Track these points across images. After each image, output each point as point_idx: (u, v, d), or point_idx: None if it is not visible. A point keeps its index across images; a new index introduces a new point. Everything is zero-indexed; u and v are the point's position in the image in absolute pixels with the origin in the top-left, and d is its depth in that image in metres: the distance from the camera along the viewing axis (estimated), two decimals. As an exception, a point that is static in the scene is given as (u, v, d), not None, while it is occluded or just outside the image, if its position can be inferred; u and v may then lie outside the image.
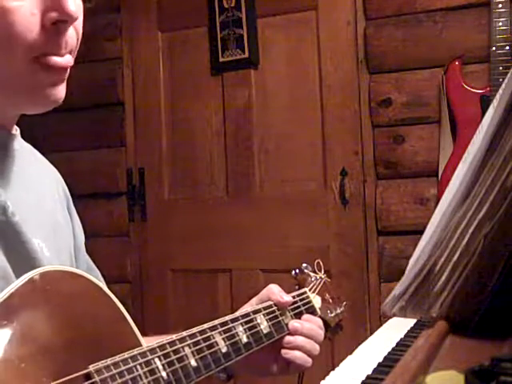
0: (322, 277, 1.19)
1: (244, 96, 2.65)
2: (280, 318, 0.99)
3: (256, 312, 0.95)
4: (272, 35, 2.61)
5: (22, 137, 0.90)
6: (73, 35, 0.78)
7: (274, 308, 1.00)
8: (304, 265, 1.18)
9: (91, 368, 0.66)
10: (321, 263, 1.20)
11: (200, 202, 2.73)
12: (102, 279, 1.01)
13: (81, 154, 2.87)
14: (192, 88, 2.74)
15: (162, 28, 2.79)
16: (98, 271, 1.02)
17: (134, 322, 0.79)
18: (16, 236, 0.79)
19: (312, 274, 1.18)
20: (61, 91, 0.78)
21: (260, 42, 2.61)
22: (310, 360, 1.01)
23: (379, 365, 0.77)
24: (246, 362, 0.92)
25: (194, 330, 0.81)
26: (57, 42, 0.75)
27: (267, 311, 0.98)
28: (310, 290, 1.13)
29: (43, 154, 0.98)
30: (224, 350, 0.84)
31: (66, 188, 1.00)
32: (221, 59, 2.65)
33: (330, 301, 1.17)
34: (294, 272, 1.17)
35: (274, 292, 1.03)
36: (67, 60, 0.77)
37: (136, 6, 2.81)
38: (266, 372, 1.04)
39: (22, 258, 0.78)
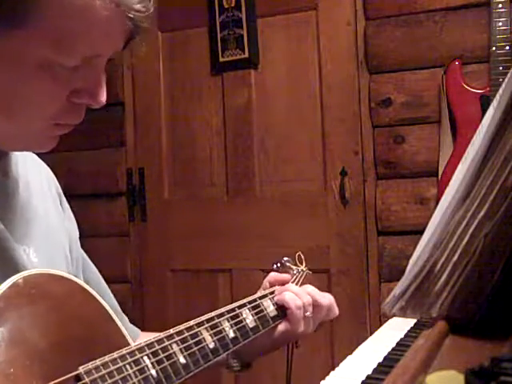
0: (304, 269, 1.19)
1: (244, 96, 2.65)
2: (265, 312, 1.01)
3: (241, 307, 0.97)
4: (272, 35, 2.61)
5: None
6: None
7: (259, 302, 1.01)
8: (285, 258, 1.20)
9: (81, 369, 0.67)
10: (302, 256, 1.20)
11: (200, 201, 2.73)
12: (98, 274, 1.02)
13: (81, 154, 2.86)
14: (192, 88, 2.74)
15: (162, 28, 2.79)
16: (95, 267, 1.03)
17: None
18: None
19: (294, 266, 1.18)
20: (55, 143, 0.84)
21: (260, 42, 2.61)
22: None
23: (379, 365, 0.77)
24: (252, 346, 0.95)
25: (182, 326, 0.82)
26: (76, 117, 0.81)
27: (252, 305, 0.99)
28: (292, 282, 1.13)
29: (43, 154, 0.98)
30: (211, 345, 0.85)
31: (58, 185, 1.00)
32: (221, 59, 2.65)
33: None
34: (275, 266, 1.18)
35: (271, 279, 1.08)
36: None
37: (136, 6, 2.81)
38: (271, 345, 1.04)
39: (5, 265, 0.78)
